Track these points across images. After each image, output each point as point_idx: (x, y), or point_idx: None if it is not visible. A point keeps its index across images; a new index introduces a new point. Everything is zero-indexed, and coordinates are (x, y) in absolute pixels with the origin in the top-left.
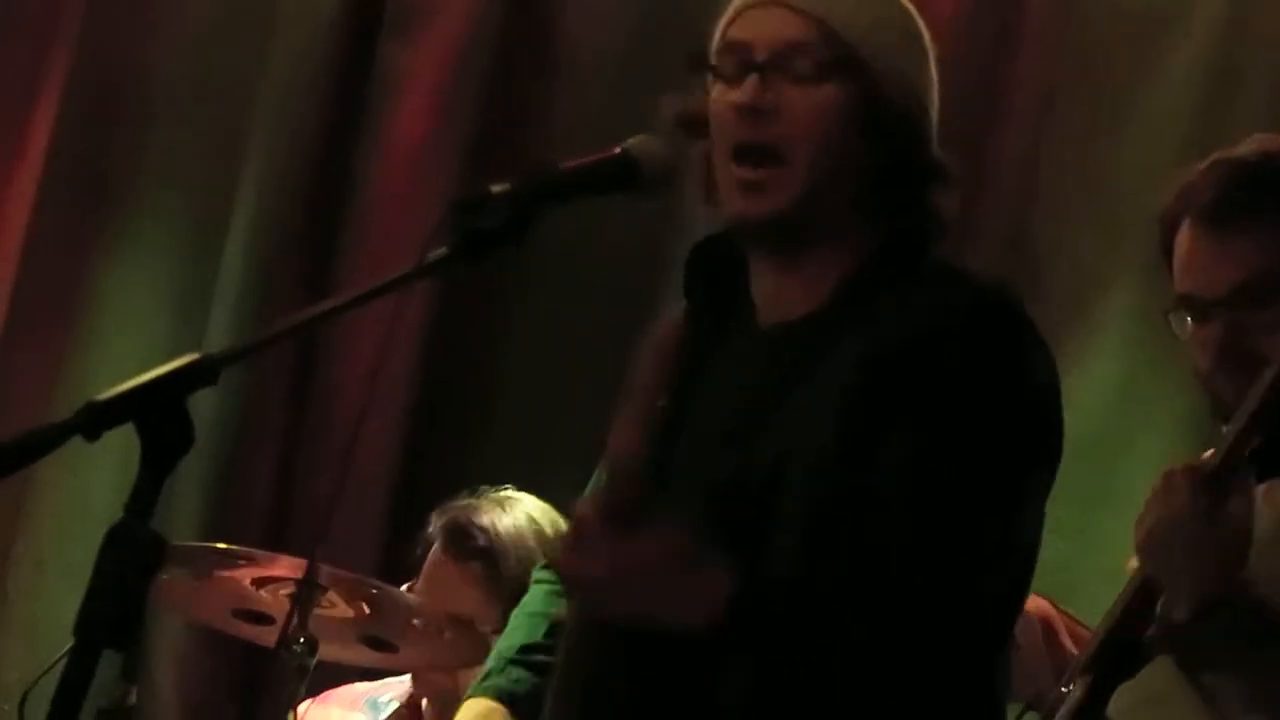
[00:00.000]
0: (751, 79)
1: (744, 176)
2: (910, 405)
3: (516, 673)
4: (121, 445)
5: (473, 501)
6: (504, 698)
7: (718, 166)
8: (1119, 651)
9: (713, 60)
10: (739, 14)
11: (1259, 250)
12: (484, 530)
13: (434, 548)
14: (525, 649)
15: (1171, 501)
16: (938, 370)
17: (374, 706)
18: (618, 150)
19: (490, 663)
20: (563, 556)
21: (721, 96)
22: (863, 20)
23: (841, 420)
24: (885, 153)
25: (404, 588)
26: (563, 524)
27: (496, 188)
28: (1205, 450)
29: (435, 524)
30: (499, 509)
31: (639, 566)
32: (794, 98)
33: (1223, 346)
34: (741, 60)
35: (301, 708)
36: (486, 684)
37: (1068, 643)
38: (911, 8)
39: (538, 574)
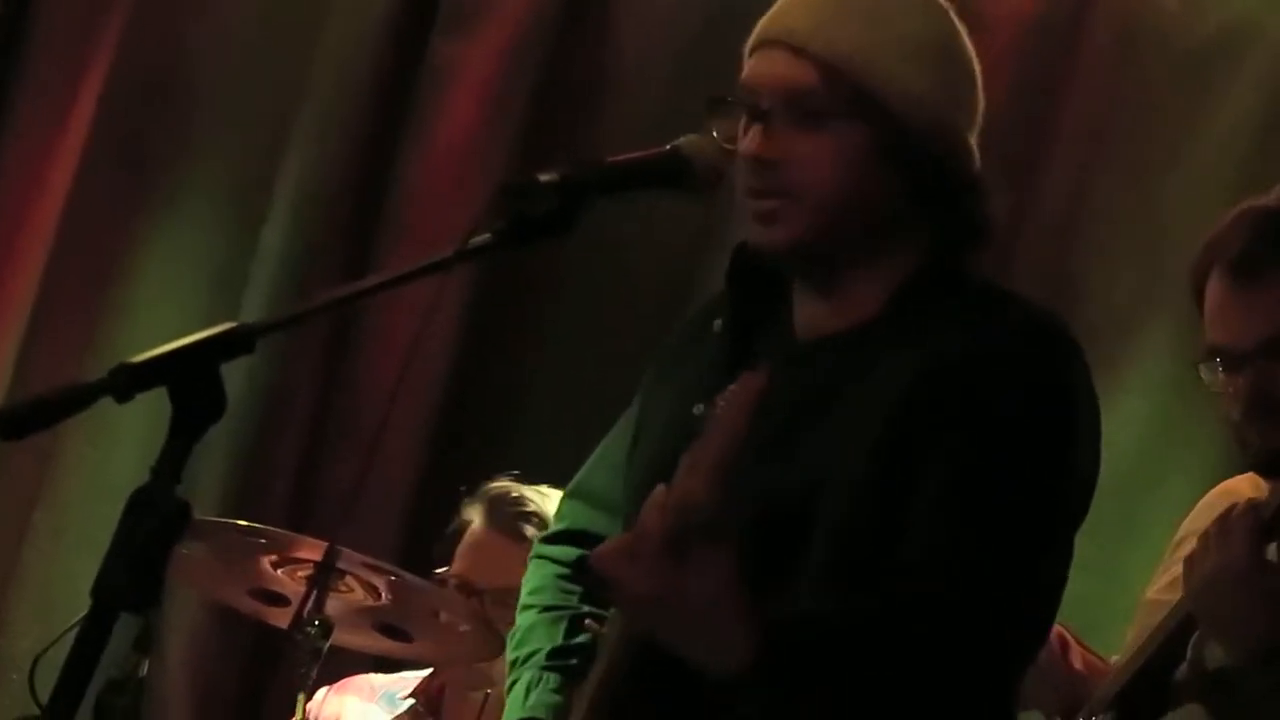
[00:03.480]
0: (755, 129)
1: (755, 208)
2: (949, 433)
3: (554, 680)
4: (144, 420)
5: (510, 484)
6: (554, 716)
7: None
8: (1147, 691)
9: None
10: (753, 50)
11: None
12: (535, 509)
13: (478, 524)
14: (555, 653)
15: (1228, 548)
16: (980, 397)
17: (390, 701)
18: (669, 147)
19: (525, 670)
20: (615, 561)
21: (740, 137)
22: (866, 50)
23: (880, 443)
24: (910, 175)
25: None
26: None
27: (545, 176)
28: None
29: (477, 503)
30: (538, 493)
31: (685, 597)
32: (798, 145)
33: (1252, 397)
34: (749, 107)
35: (319, 694)
36: (534, 701)
37: (1077, 662)
38: (939, 14)
39: (541, 548)
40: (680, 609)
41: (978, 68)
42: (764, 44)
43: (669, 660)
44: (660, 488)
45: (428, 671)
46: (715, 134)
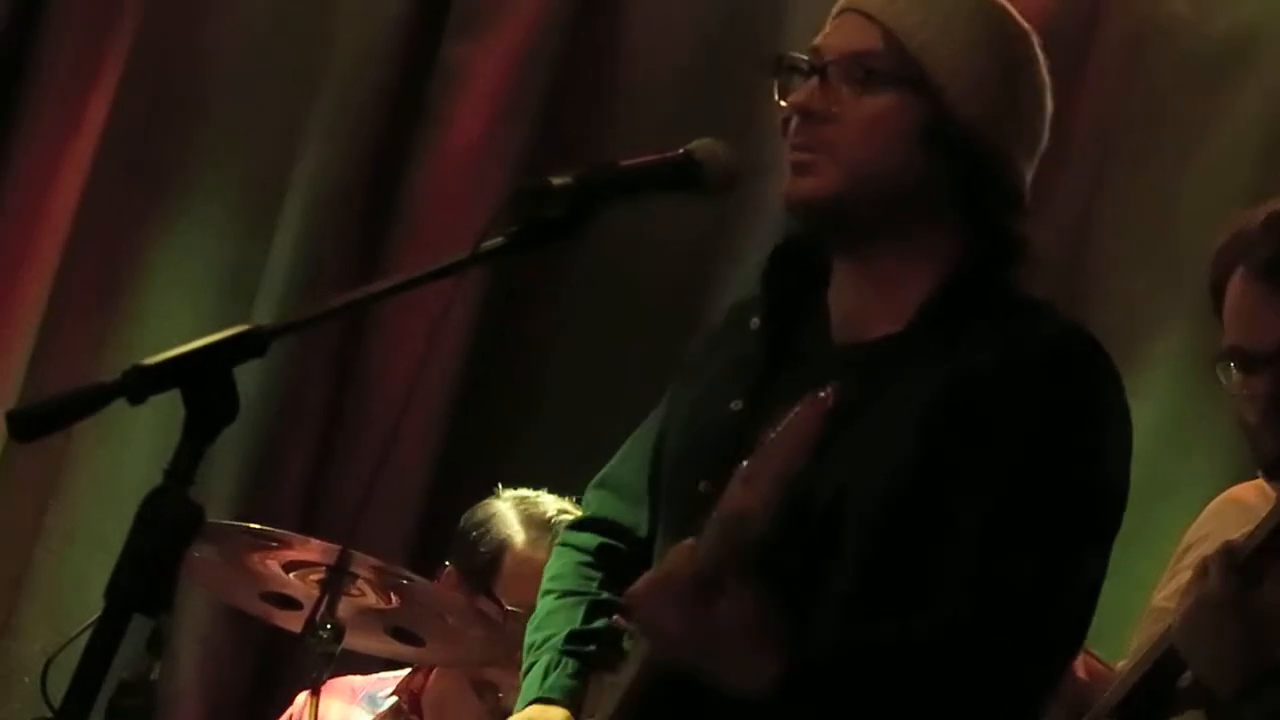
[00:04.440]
0: (811, 82)
1: (794, 158)
2: (980, 448)
3: (572, 665)
4: (156, 422)
5: (542, 501)
6: (570, 699)
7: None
8: (1150, 699)
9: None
10: (830, 21)
11: None
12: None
13: (525, 548)
14: (573, 637)
15: (1204, 588)
16: (1011, 411)
17: (372, 702)
18: (681, 151)
19: (543, 653)
20: (644, 599)
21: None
22: (930, 30)
23: (911, 452)
24: (953, 167)
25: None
26: None
27: (558, 179)
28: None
29: (516, 524)
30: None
31: (712, 635)
32: (849, 104)
33: (1270, 400)
34: (811, 64)
35: (299, 699)
36: (550, 683)
37: (1080, 670)
38: (1015, 23)
39: (566, 536)
40: (708, 647)
41: (1048, 102)
42: (841, 12)
43: (691, 683)
44: (689, 540)
45: (405, 671)
46: (774, 95)
